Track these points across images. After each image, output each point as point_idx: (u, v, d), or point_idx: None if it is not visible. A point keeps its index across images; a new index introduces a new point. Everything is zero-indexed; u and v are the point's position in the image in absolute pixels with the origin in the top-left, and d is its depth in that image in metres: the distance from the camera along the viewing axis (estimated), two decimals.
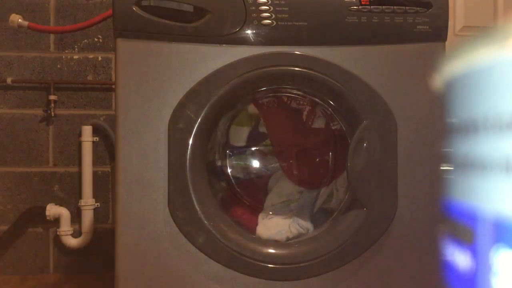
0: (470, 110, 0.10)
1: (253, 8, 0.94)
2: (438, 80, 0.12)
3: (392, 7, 0.96)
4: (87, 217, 1.61)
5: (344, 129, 1.02)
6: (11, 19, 1.36)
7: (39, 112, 1.63)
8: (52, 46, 1.65)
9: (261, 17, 0.94)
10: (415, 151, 0.98)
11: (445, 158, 0.12)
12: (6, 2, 1.62)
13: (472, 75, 0.10)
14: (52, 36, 1.65)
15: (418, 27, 0.96)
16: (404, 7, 0.96)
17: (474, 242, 0.10)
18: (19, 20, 1.37)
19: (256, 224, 1.11)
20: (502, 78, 0.09)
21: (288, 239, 1.07)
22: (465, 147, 0.10)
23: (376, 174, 0.97)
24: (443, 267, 0.11)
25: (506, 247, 0.09)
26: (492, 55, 0.09)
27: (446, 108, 0.11)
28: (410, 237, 0.98)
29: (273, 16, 0.94)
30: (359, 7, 0.95)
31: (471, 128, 0.10)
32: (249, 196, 1.20)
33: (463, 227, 0.10)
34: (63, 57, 1.65)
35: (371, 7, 0.95)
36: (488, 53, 0.09)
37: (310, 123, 1.18)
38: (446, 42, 1.00)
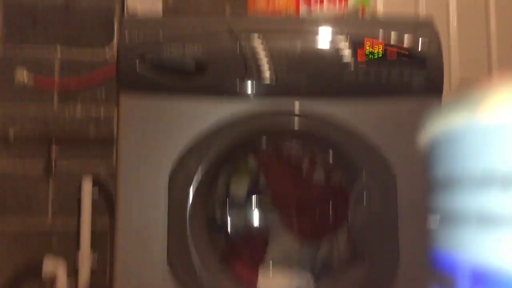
0: (450, 167, 0.11)
1: (253, 62, 0.96)
2: (426, 136, 0.13)
3: (387, 63, 0.98)
4: (85, 272, 1.58)
5: (344, 181, 1.02)
6: (16, 73, 1.40)
7: (40, 165, 1.64)
8: (55, 101, 1.67)
9: (260, 71, 0.96)
10: (415, 203, 0.97)
11: (434, 210, 0.12)
12: (13, 57, 1.66)
13: (451, 136, 0.11)
14: (55, 91, 1.68)
15: (414, 81, 0.99)
16: (399, 63, 0.99)
17: None
18: (25, 75, 1.40)
19: (257, 278, 1.09)
20: (475, 141, 0.10)
21: None
22: (447, 200, 0.11)
23: (378, 227, 0.96)
24: None
25: None
26: (467, 120, 0.10)
27: (432, 162, 0.12)
28: None
29: (272, 70, 0.96)
30: (356, 63, 0.98)
31: (452, 183, 0.11)
32: (249, 249, 1.19)
33: (445, 276, 0.11)
34: (66, 110, 1.67)
35: (367, 63, 0.98)
36: (464, 118, 0.10)
37: (310, 176, 1.18)
38: (443, 95, 1.02)
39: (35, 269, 1.58)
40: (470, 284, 0.10)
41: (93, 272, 1.61)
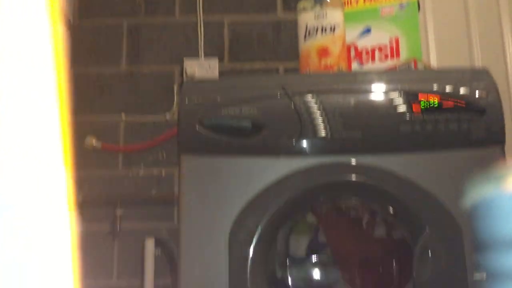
0: (504, 227, 0.12)
1: (308, 121, 0.98)
2: (478, 191, 0.14)
3: (445, 115, 0.97)
4: None
5: (407, 237, 0.99)
6: (86, 141, 1.49)
7: (106, 226, 1.70)
8: (120, 164, 1.76)
9: (315, 129, 0.98)
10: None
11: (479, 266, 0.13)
12: (81, 125, 1.77)
13: (484, 203, 0.12)
14: (120, 155, 1.76)
15: (473, 132, 0.97)
16: (457, 114, 0.97)
17: None
18: (94, 142, 1.49)
19: None
20: (501, 209, 0.11)
21: None
22: (494, 259, 0.12)
23: (444, 284, 0.92)
24: None
25: None
26: (492, 191, 0.11)
27: (483, 221, 0.13)
28: None
29: (328, 127, 0.98)
30: (411, 116, 0.97)
31: (493, 244, 0.11)
32: None
33: None
34: (130, 174, 1.75)
35: (423, 115, 0.97)
36: (489, 190, 0.11)
37: (370, 232, 1.16)
38: (505, 145, 0.99)
39: None
40: None
41: None
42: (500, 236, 0.09)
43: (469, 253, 0.93)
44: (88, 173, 1.75)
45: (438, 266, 0.92)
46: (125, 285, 1.66)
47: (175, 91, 1.80)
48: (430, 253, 0.93)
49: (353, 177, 0.96)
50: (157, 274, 1.66)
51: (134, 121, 1.78)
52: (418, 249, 0.93)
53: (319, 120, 0.98)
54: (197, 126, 0.99)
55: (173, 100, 1.80)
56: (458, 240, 0.93)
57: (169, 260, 1.68)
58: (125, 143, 1.77)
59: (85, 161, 1.76)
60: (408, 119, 0.97)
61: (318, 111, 0.99)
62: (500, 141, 0.98)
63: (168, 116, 1.78)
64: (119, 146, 1.75)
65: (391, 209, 0.98)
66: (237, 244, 0.94)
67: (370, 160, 0.97)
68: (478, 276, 0.12)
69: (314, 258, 1.19)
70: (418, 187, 0.95)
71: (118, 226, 1.68)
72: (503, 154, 0.99)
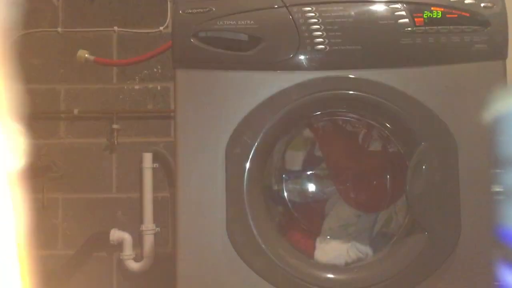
0: None
1: (306, 34, 0.95)
2: (495, 107, 0.12)
3: (448, 27, 0.94)
4: (148, 241, 1.65)
5: (402, 151, 1.00)
6: (78, 54, 1.45)
7: (103, 140, 1.71)
8: (114, 78, 1.73)
9: (314, 42, 0.95)
10: (478, 173, 0.94)
11: (497, 181, 0.12)
12: (73, 38, 1.72)
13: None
14: (115, 69, 1.73)
15: (476, 46, 0.94)
16: (460, 27, 0.95)
17: None
18: (86, 55, 1.45)
19: (314, 249, 1.10)
20: None
21: (347, 263, 1.05)
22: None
23: (437, 197, 0.94)
24: None
25: None
26: None
27: (499, 134, 0.12)
28: (474, 263, 0.94)
29: (326, 41, 0.95)
30: (414, 28, 0.95)
31: None
32: (306, 220, 1.20)
33: None
34: (125, 87, 1.73)
35: (426, 27, 0.95)
36: None
37: (366, 146, 1.17)
38: (507, 60, 0.97)
39: (103, 239, 1.67)
40: None
41: (156, 243, 1.68)
42: None
43: (463, 168, 0.94)
44: (82, 87, 1.73)
45: (432, 180, 0.94)
46: (124, 198, 1.71)
47: (168, 2, 1.74)
48: (424, 167, 0.94)
49: (351, 91, 0.95)
50: (155, 187, 1.69)
51: (127, 34, 1.73)
52: (412, 162, 0.94)
53: (318, 33, 0.95)
54: (191, 39, 0.96)
55: (167, 12, 1.73)
56: (454, 155, 0.94)
57: (167, 174, 1.71)
58: (118, 57, 1.73)
59: (79, 74, 1.73)
60: (410, 31, 0.95)
61: (317, 23, 0.96)
62: (502, 56, 0.96)
63: (162, 28, 1.73)
64: (112, 60, 1.71)
65: (388, 124, 0.98)
66: (233, 158, 0.95)
67: (369, 74, 0.95)
68: (495, 188, 0.11)
69: (309, 172, 1.22)
70: (417, 101, 0.94)
71: (115, 140, 1.69)
72: (504, 69, 0.98)
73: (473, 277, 0.94)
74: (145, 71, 1.73)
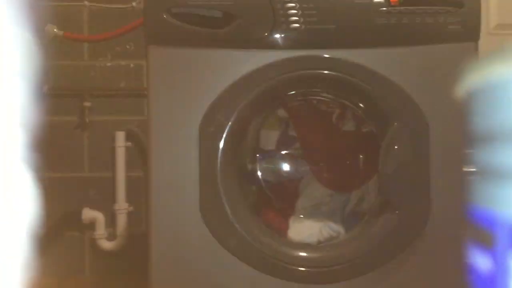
0: (493, 118, 0.10)
1: (282, 12, 0.94)
2: (465, 85, 0.12)
3: (422, 7, 0.95)
4: (121, 221, 1.64)
5: (375, 131, 1.01)
6: (46, 29, 1.41)
7: (74, 119, 1.68)
8: (85, 54, 1.69)
9: (289, 21, 0.94)
10: (448, 153, 0.96)
11: (470, 162, 0.12)
12: (42, 13, 1.67)
13: (498, 84, 0.10)
14: (85, 45, 1.69)
15: (449, 26, 0.95)
16: (435, 7, 0.95)
17: (494, 246, 0.10)
18: (55, 30, 1.41)
19: (287, 228, 1.11)
20: None
21: (319, 242, 1.06)
22: (487, 153, 0.11)
23: (408, 176, 0.95)
24: (467, 270, 0.12)
25: None
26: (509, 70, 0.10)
27: (471, 112, 0.12)
28: (443, 241, 0.96)
29: (302, 19, 0.94)
30: (389, 8, 0.94)
31: (493, 136, 0.10)
32: (279, 200, 1.20)
33: (483, 231, 0.11)
34: (97, 64, 1.69)
35: (401, 7, 0.94)
36: (506, 68, 0.10)
37: (340, 126, 1.17)
38: (479, 41, 0.98)
39: (75, 218, 1.64)
40: (509, 239, 0.09)
41: (129, 222, 1.67)
42: (492, 128, 0.09)
43: (434, 148, 0.96)
44: (52, 63, 1.68)
45: (403, 160, 0.95)
46: (97, 177, 1.68)
47: None
48: (396, 147, 0.95)
49: (325, 71, 0.95)
50: (128, 166, 1.67)
51: (98, 9, 1.68)
52: (385, 142, 0.95)
53: (293, 11, 0.94)
54: (164, 15, 0.94)
55: None
56: (425, 135, 0.95)
57: (140, 153, 1.69)
58: (89, 33, 1.69)
59: (47, 50, 1.68)
60: (385, 11, 0.94)
61: (293, 1, 0.94)
62: (474, 37, 0.97)
63: (134, 3, 1.69)
64: (83, 35, 1.66)
65: (361, 104, 0.98)
66: (207, 137, 0.94)
67: (344, 54, 0.95)
68: (467, 169, 0.11)
69: (283, 151, 1.22)
70: (390, 82, 0.95)
71: (87, 118, 1.65)
72: (476, 51, 0.99)
73: (442, 254, 0.96)
74: (118, 48, 1.69)
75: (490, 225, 0.10)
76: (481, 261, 0.11)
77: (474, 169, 0.11)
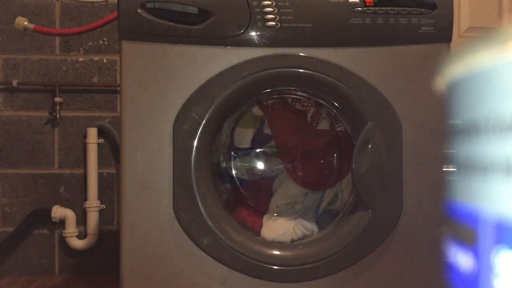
0: (472, 112, 0.10)
1: (258, 10, 0.94)
2: (441, 82, 0.12)
3: (396, 8, 0.96)
4: (92, 218, 1.61)
5: (349, 130, 1.02)
6: (16, 21, 1.37)
7: (44, 114, 1.64)
8: (57, 48, 1.65)
9: (265, 19, 0.94)
10: (420, 152, 0.97)
11: (448, 159, 0.12)
12: (12, 5, 1.63)
13: (474, 77, 0.10)
14: (57, 39, 1.65)
15: (422, 28, 0.96)
16: (408, 8, 0.96)
17: (476, 243, 0.10)
18: (25, 23, 1.37)
19: (261, 226, 1.11)
20: (503, 80, 0.09)
21: (293, 240, 1.07)
22: (467, 148, 0.10)
23: (381, 175, 0.96)
24: (447, 268, 0.11)
25: (507, 248, 0.09)
26: (494, 57, 0.09)
27: (448, 109, 0.11)
28: (415, 239, 0.98)
29: (278, 17, 0.94)
30: (364, 8, 0.95)
31: (472, 130, 0.10)
32: (253, 198, 1.20)
33: (465, 228, 0.10)
34: (69, 59, 1.66)
35: (376, 8, 0.95)
36: (490, 56, 0.10)
37: (314, 124, 1.18)
38: (451, 43, 1.00)
39: (45, 216, 1.61)
40: (493, 237, 0.09)
41: (101, 220, 1.65)
42: (492, 118, 0.08)
43: (407, 148, 0.97)
44: (22, 57, 1.64)
45: (376, 159, 0.96)
46: (67, 174, 1.65)
47: None
48: (369, 146, 0.96)
49: (300, 69, 0.95)
50: (100, 163, 1.65)
51: (71, 3, 1.65)
52: (359, 141, 0.96)
53: (269, 9, 0.94)
54: (138, 10, 0.93)
55: None
56: (398, 135, 0.97)
57: (113, 150, 1.67)
58: (61, 27, 1.65)
59: (18, 44, 1.64)
60: (360, 11, 0.95)
61: (269, 0, 0.94)
62: (447, 38, 0.98)
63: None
64: (53, 29, 1.63)
65: (336, 103, 0.99)
66: (181, 134, 0.93)
67: (319, 52, 0.95)
68: (448, 168, 0.11)
69: (258, 149, 1.22)
70: (364, 81, 0.96)
71: (58, 114, 1.62)
72: (448, 52, 1.00)
73: (414, 252, 0.98)
74: (90, 43, 1.66)
75: (472, 221, 0.10)
76: (462, 259, 0.10)
77: (453, 168, 0.11)
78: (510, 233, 0.09)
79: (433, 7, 0.97)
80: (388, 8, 0.96)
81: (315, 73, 0.95)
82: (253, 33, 0.94)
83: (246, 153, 1.22)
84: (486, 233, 0.09)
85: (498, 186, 0.09)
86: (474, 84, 0.10)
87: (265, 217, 1.13)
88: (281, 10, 0.94)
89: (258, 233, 1.09)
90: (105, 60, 1.66)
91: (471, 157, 0.10)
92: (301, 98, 1.12)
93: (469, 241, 0.10)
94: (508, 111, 0.09)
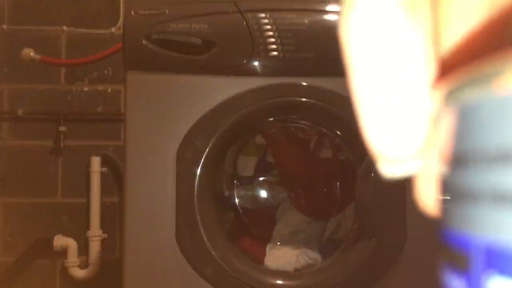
0: (460, 143, 0.11)
1: (260, 40, 0.96)
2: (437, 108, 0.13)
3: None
4: (95, 248, 1.60)
5: (352, 159, 1.02)
6: (23, 52, 1.40)
7: (49, 143, 1.65)
8: (62, 78, 1.68)
9: (268, 49, 0.96)
10: None
11: (443, 188, 0.12)
12: (18, 36, 1.66)
13: (462, 110, 0.11)
14: (63, 69, 1.68)
15: None
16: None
17: (468, 269, 0.10)
18: (31, 53, 1.40)
19: (264, 255, 1.10)
20: (488, 115, 0.10)
21: (296, 270, 1.06)
22: (458, 178, 0.11)
23: (385, 204, 0.96)
24: None
25: (497, 273, 0.09)
26: (480, 93, 0.10)
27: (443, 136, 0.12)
28: (420, 268, 0.97)
29: (280, 48, 0.96)
30: None
31: (462, 160, 0.11)
32: (256, 227, 1.20)
33: (458, 254, 0.11)
34: (73, 89, 1.68)
35: None
36: (476, 92, 0.10)
37: (317, 153, 1.18)
38: None
39: (46, 245, 1.60)
40: (485, 262, 0.09)
41: (103, 249, 1.63)
42: (480, 149, 0.09)
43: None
44: (28, 87, 1.66)
45: (380, 188, 0.96)
46: (70, 203, 1.65)
47: (121, 3, 1.70)
48: (373, 175, 0.96)
49: (303, 98, 0.96)
50: (103, 192, 1.65)
51: (77, 34, 1.68)
52: (362, 170, 0.96)
53: (272, 39, 0.96)
54: (143, 41, 0.95)
55: (119, 13, 1.70)
56: None
57: (116, 179, 1.67)
58: (67, 58, 1.68)
59: (24, 74, 1.66)
60: None
61: (271, 30, 0.96)
62: None
63: (113, 29, 1.69)
64: (59, 59, 1.65)
65: (339, 131, 0.99)
66: (184, 163, 0.94)
67: (321, 81, 0.97)
68: (442, 196, 0.11)
69: (261, 178, 1.22)
70: None
71: (62, 143, 1.63)
72: None
73: (419, 281, 0.97)
74: (95, 73, 1.68)
75: (465, 248, 0.10)
76: (457, 285, 0.11)
77: (448, 197, 0.12)
78: (499, 259, 0.09)
79: None
80: None
81: (318, 102, 0.96)
82: (256, 63, 0.96)
83: (249, 182, 1.22)
84: (477, 259, 0.10)
85: (487, 214, 0.10)
86: (462, 116, 0.11)
87: (269, 246, 1.13)
88: (283, 41, 0.96)
89: (261, 262, 1.08)
90: (109, 90, 1.68)
91: (461, 186, 0.11)
92: (304, 126, 1.13)
93: (462, 267, 0.10)
94: (492, 143, 0.10)
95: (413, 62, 0.12)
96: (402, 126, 0.12)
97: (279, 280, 0.97)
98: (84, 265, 1.62)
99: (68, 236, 1.62)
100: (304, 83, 0.97)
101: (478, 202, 0.10)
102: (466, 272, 0.10)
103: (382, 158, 0.13)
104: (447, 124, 0.11)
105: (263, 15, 0.96)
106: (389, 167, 0.13)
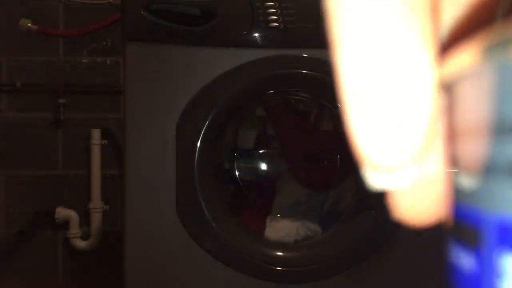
0: (475, 112, 0.10)
1: (261, 11, 0.94)
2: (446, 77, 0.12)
3: None
4: (96, 220, 1.62)
5: None
6: (20, 23, 1.38)
7: (48, 115, 1.64)
8: (61, 50, 1.66)
9: (268, 20, 0.94)
10: None
11: (451, 160, 0.12)
12: (16, 7, 1.63)
13: (475, 77, 0.10)
14: (61, 40, 1.66)
15: None
16: None
17: (478, 245, 0.10)
18: (29, 24, 1.38)
19: (264, 227, 1.11)
20: (506, 82, 0.09)
21: (296, 241, 1.07)
22: (470, 150, 0.10)
23: None
24: (449, 270, 0.11)
25: (509, 250, 0.09)
26: (497, 57, 0.09)
27: (455, 107, 0.11)
28: (420, 239, 0.98)
29: (281, 18, 0.94)
30: None
31: (475, 130, 0.10)
32: (257, 199, 1.20)
33: (467, 229, 0.10)
34: (72, 60, 1.66)
35: None
36: (492, 56, 0.09)
37: (317, 125, 1.18)
38: None
39: (48, 217, 1.61)
40: (497, 238, 0.09)
41: (104, 222, 1.65)
42: (497, 119, 0.08)
43: None
44: (26, 59, 1.64)
45: None
46: (71, 175, 1.65)
47: None
48: None
49: (304, 70, 0.95)
50: (104, 164, 1.65)
51: (74, 4, 1.66)
52: None
53: (272, 10, 0.94)
54: (142, 11, 0.93)
55: None
56: None
57: (116, 151, 1.67)
58: (65, 29, 1.66)
59: (22, 45, 1.64)
60: None
61: (271, 1, 0.94)
62: None
63: (112, 1, 1.66)
64: (57, 30, 1.63)
65: (339, 103, 0.99)
66: (184, 135, 0.93)
67: (322, 53, 0.95)
68: (450, 169, 0.11)
69: (261, 150, 1.22)
70: None
71: (61, 115, 1.62)
72: None
73: (418, 253, 0.97)
74: (94, 44, 1.66)
75: (476, 223, 0.10)
76: (465, 261, 0.10)
77: (455, 169, 0.11)
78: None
79: None
80: None
81: (318, 74, 0.95)
82: (256, 34, 0.94)
83: (250, 154, 1.22)
84: (488, 234, 0.09)
85: (501, 188, 0.09)
86: (476, 84, 0.10)
87: (269, 218, 1.13)
88: (284, 11, 0.94)
89: (261, 234, 1.09)
90: (108, 61, 1.67)
91: (474, 159, 0.10)
92: (304, 99, 1.12)
93: (471, 242, 0.10)
94: (509, 113, 0.09)
95: (411, 58, 0.11)
96: (398, 130, 0.11)
97: (279, 251, 0.98)
98: (86, 236, 1.64)
99: (70, 208, 1.63)
100: (305, 55, 0.95)
101: (492, 176, 0.09)
102: (477, 248, 0.09)
103: (372, 166, 0.12)
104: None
105: None
106: (378, 177, 0.12)
